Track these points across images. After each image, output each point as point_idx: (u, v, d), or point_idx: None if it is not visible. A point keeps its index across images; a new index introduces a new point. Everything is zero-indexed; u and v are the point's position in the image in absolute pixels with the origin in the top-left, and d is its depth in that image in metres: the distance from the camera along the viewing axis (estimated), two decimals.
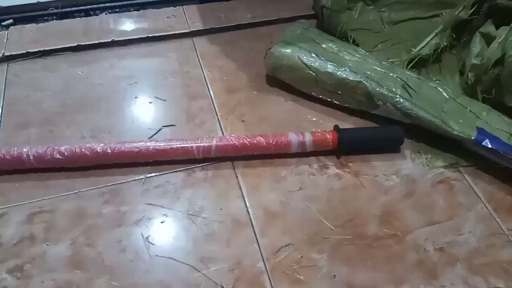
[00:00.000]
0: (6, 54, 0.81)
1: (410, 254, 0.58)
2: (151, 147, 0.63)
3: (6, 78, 0.78)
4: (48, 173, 0.64)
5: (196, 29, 0.90)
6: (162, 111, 0.75)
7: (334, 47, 0.75)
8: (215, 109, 0.75)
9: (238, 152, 0.65)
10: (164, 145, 0.64)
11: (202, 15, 0.93)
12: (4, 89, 0.76)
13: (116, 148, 0.63)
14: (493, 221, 0.62)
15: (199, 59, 0.84)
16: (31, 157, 0.61)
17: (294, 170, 0.66)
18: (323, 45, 0.76)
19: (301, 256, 0.57)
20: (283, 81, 0.78)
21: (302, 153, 0.67)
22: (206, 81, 0.80)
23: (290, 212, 0.61)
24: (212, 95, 0.78)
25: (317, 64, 0.72)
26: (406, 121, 0.69)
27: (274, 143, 0.65)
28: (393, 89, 0.68)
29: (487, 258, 0.58)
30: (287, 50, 0.74)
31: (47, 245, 0.56)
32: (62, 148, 0.62)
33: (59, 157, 0.61)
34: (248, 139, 0.65)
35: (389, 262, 0.57)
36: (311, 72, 0.72)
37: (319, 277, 0.55)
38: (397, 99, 0.68)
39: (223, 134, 0.71)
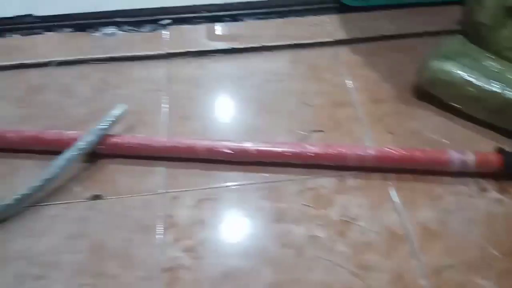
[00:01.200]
0: (168, 51, 0.90)
1: None
2: (309, 151, 0.66)
3: (168, 73, 0.87)
4: (212, 164, 0.70)
5: (339, 38, 0.92)
6: (309, 116, 0.78)
7: (496, 65, 0.72)
8: (361, 118, 0.77)
9: (394, 164, 0.66)
10: (322, 150, 0.66)
11: (345, 25, 0.95)
12: (168, 83, 0.85)
13: (276, 149, 0.67)
14: None
15: (342, 68, 0.86)
16: (203, 149, 0.67)
17: (450, 189, 0.65)
18: (484, 63, 0.73)
19: (466, 280, 0.55)
20: (433, 96, 0.76)
21: (458, 173, 0.66)
22: (350, 90, 0.82)
23: (450, 232, 0.60)
24: (357, 104, 0.79)
25: (479, 82, 0.70)
26: None
27: (433, 158, 0.64)
28: None
29: None
30: (446, 65, 0.72)
31: (214, 230, 0.62)
32: (231, 144, 0.67)
33: (228, 151, 0.67)
34: (407, 153, 0.65)
35: None
36: (472, 89, 0.70)
37: None
38: None
39: (371, 144, 0.72)
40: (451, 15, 0.93)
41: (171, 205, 0.65)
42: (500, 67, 0.72)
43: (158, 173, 0.69)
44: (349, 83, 0.83)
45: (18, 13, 0.98)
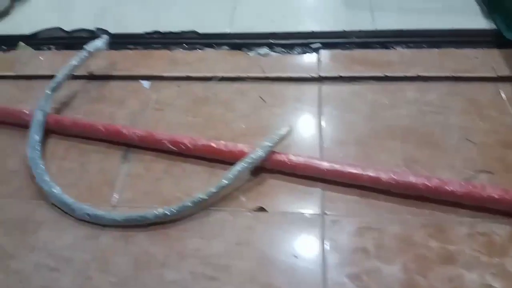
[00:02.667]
0: (321, 75, 0.93)
1: None
2: (486, 193, 0.63)
3: (319, 96, 0.90)
4: (370, 193, 0.70)
5: (503, 74, 0.87)
6: (473, 154, 0.74)
7: None
8: None
9: None
10: (500, 193, 0.63)
11: (508, 61, 0.90)
12: (320, 105, 0.87)
13: (447, 187, 0.65)
14: None
15: (508, 107, 0.82)
16: (366, 177, 0.68)
17: None
18: None
19: None
20: None
21: None
22: None
23: None
24: None
25: None
26: None
27: None
28: None
29: None
30: None
31: (380, 262, 0.62)
32: (395, 175, 0.67)
33: (391, 182, 0.66)
34: None
35: None
36: None
37: None
38: None
39: None
40: None
41: (331, 228, 0.66)
42: None
43: (315, 194, 0.71)
44: None
45: (183, 29, 1.10)
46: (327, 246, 0.64)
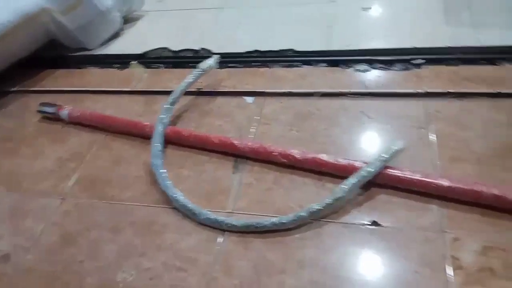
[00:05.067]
0: (427, 90, 0.92)
1: None
2: None
3: (427, 112, 0.89)
4: (495, 212, 0.68)
5: None
6: None
7: None
8: None
9: None
10: None
11: None
12: (428, 122, 0.86)
13: None
14: None
15: None
16: (489, 195, 0.66)
17: None
18: None
19: None
20: None
21: None
22: None
23: None
24: None
25: None
26: None
27: None
28: None
29: None
30: None
31: (508, 281, 0.60)
32: None
33: None
34: None
35: None
36: None
37: None
38: None
39: None
40: None
41: (453, 246, 0.65)
42: None
43: (432, 210, 0.70)
44: None
45: (280, 48, 1.15)
46: (449, 264, 0.63)
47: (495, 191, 0.66)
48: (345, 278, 0.65)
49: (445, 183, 0.69)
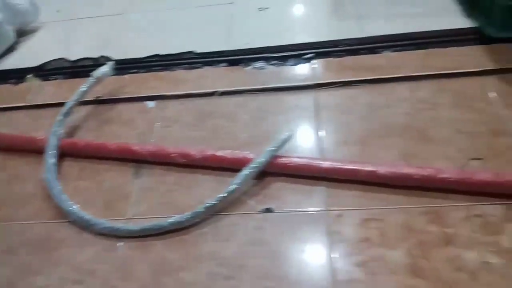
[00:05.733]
0: (316, 82, 0.98)
1: None
2: (477, 178, 0.68)
3: (317, 102, 0.94)
4: (370, 187, 0.74)
5: (486, 68, 0.92)
6: (466, 144, 0.78)
7: None
8: None
9: None
10: (492, 178, 0.67)
11: (490, 56, 0.95)
12: (318, 110, 0.92)
13: (441, 175, 0.69)
14: None
15: (493, 98, 0.86)
16: (362, 172, 0.73)
17: None
18: None
19: None
20: None
21: None
22: (506, 119, 0.81)
23: None
24: None
25: None
26: None
27: None
28: None
29: None
30: None
31: (384, 249, 0.66)
32: (390, 168, 0.71)
33: (389, 175, 0.71)
34: None
35: None
36: None
37: None
38: None
39: None
40: None
41: (336, 222, 0.70)
42: None
43: (319, 192, 0.75)
44: (506, 113, 0.83)
45: (180, 50, 1.16)
46: (333, 239, 0.68)
47: (369, 168, 0.72)
48: (241, 265, 0.67)
49: (326, 164, 0.75)
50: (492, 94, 0.87)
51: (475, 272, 0.61)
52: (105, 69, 1.00)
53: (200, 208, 0.73)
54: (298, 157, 0.78)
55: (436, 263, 0.62)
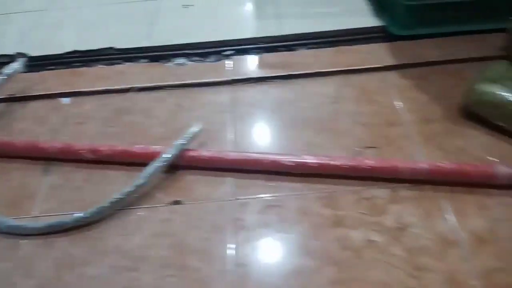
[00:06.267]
0: (232, 78, 1.01)
1: None
2: (364, 164, 0.74)
3: (232, 97, 0.98)
4: (274, 175, 0.78)
5: (388, 64, 1.00)
6: (363, 134, 0.85)
7: None
8: (412, 136, 0.83)
9: (445, 177, 0.71)
10: (375, 163, 0.74)
11: (393, 52, 1.03)
12: (232, 105, 0.95)
13: (334, 162, 0.75)
14: None
15: (391, 91, 0.94)
16: (268, 161, 0.77)
17: (499, 200, 0.70)
18: None
19: None
20: (481, 115, 0.82)
21: (506, 186, 0.71)
22: (399, 110, 0.89)
23: (500, 239, 0.65)
24: (407, 123, 0.86)
25: None
26: None
27: (482, 172, 0.69)
28: None
29: None
30: (491, 87, 0.78)
31: (281, 232, 0.70)
32: (292, 158, 0.76)
33: (290, 164, 0.75)
34: (457, 166, 0.71)
35: None
36: None
37: None
38: None
39: (422, 160, 0.78)
40: (494, 42, 0.98)
41: (240, 210, 0.74)
42: None
43: (228, 183, 0.79)
44: (399, 104, 0.90)
45: (101, 46, 1.15)
46: (236, 226, 0.71)
47: (271, 158, 0.76)
48: (144, 257, 0.68)
49: (231, 155, 0.78)
50: (391, 88, 0.95)
51: (360, 249, 0.66)
52: (16, 65, 0.97)
53: (105, 203, 0.73)
54: (207, 150, 0.80)
55: (326, 243, 0.67)
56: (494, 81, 0.79)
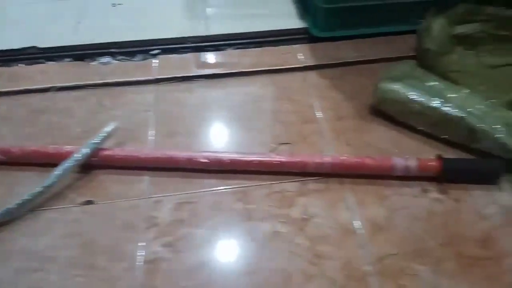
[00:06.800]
0: (157, 77, 1.01)
1: (507, 276, 0.63)
2: (275, 159, 0.77)
3: (156, 96, 0.98)
4: (191, 173, 0.80)
5: (308, 64, 1.04)
6: (280, 131, 0.88)
7: (438, 85, 0.84)
8: (324, 132, 0.87)
9: (347, 170, 0.76)
10: (286, 158, 0.77)
11: (313, 53, 1.07)
12: (155, 104, 0.95)
13: (248, 158, 0.77)
14: None
15: (310, 90, 0.98)
16: (183, 159, 0.77)
17: (397, 191, 0.75)
18: (428, 83, 0.85)
19: (405, 266, 0.65)
20: (387, 112, 0.88)
21: (405, 177, 0.76)
22: (316, 108, 0.93)
23: (394, 227, 0.70)
24: (321, 121, 0.90)
25: (422, 99, 0.81)
26: (505, 156, 0.75)
27: (381, 164, 0.74)
28: (495, 126, 0.75)
29: None
30: (394, 86, 0.84)
31: (192, 228, 0.71)
32: (207, 154, 0.77)
33: (205, 161, 0.77)
34: (357, 159, 0.75)
35: (487, 281, 0.63)
36: (416, 106, 0.81)
37: (422, 286, 0.62)
38: (499, 136, 0.74)
39: (332, 154, 0.82)
40: (408, 43, 1.05)
41: (154, 208, 0.74)
42: (441, 87, 0.84)
43: (143, 181, 0.79)
44: (316, 103, 0.95)
45: (23, 45, 1.11)
46: (148, 224, 0.72)
47: (186, 155, 0.78)
48: (51, 257, 0.67)
49: (144, 153, 0.78)
50: (310, 87, 0.99)
51: (266, 241, 0.69)
52: None
53: (12, 205, 0.71)
54: (122, 149, 0.80)
55: (234, 236, 0.70)
56: (397, 80, 0.85)
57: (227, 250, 0.68)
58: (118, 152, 0.79)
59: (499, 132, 0.74)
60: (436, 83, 0.85)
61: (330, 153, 0.82)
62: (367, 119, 0.90)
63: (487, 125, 0.75)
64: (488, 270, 0.64)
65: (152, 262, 0.67)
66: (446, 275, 0.63)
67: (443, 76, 0.92)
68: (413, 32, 1.04)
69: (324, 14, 1.09)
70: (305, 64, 1.04)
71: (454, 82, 0.90)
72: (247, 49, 1.12)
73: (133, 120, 0.91)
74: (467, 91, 0.84)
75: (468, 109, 0.78)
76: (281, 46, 1.11)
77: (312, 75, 1.02)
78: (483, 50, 0.99)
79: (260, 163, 0.76)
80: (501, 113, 0.78)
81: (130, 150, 0.80)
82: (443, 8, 0.97)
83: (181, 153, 0.78)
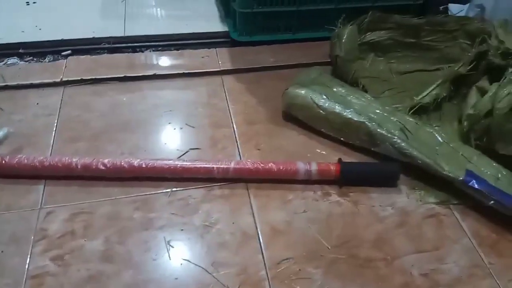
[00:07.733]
0: (63, 79, 0.96)
1: (397, 277, 0.65)
2: (178, 165, 0.74)
3: (62, 99, 0.92)
4: (91, 181, 0.76)
5: (226, 68, 1.03)
6: (191, 136, 0.86)
7: (343, 91, 0.86)
8: (235, 137, 0.86)
9: (251, 175, 0.75)
10: (189, 164, 0.75)
11: (232, 57, 1.06)
12: (60, 108, 0.90)
13: (149, 164, 0.74)
14: (476, 254, 0.68)
15: (226, 94, 0.97)
16: (79, 166, 0.73)
17: (300, 194, 0.76)
18: (334, 89, 0.87)
19: (299, 269, 0.65)
20: (296, 117, 0.88)
21: (308, 181, 0.77)
22: (230, 113, 0.92)
23: (293, 230, 0.70)
24: (234, 125, 0.89)
25: (326, 104, 0.83)
26: (402, 159, 0.78)
27: (283, 169, 0.74)
28: (392, 131, 0.78)
29: (468, 286, 0.64)
30: (301, 91, 0.85)
31: (85, 240, 0.67)
32: (106, 161, 0.74)
33: (102, 168, 0.73)
34: (261, 164, 0.75)
35: (377, 282, 0.64)
36: (321, 111, 0.82)
37: None
38: (395, 140, 0.77)
39: (240, 159, 0.81)
40: (325, 49, 1.07)
41: (45, 219, 0.70)
42: (346, 92, 0.86)
43: (37, 191, 0.74)
44: (231, 107, 0.94)
45: None
46: (37, 236, 0.67)
47: (83, 162, 0.74)
48: None
49: (42, 163, 0.73)
50: (227, 91, 0.98)
51: (162, 250, 0.66)
52: None
53: None
54: (12, 156, 0.74)
55: (131, 247, 0.66)
56: (304, 85, 0.86)
57: (119, 262, 0.65)
58: (9, 160, 0.73)
59: (396, 137, 0.77)
60: (341, 89, 0.87)
61: (240, 157, 0.82)
62: (279, 123, 0.90)
63: (385, 129, 0.78)
64: (380, 271, 0.65)
65: (37, 277, 0.62)
66: (337, 277, 0.64)
67: (354, 82, 0.95)
68: (329, 39, 1.06)
69: (242, 19, 1.09)
70: (223, 68, 1.03)
71: (364, 88, 0.93)
72: (165, 51, 1.09)
73: (34, 125, 0.86)
74: (370, 97, 0.86)
75: (369, 114, 0.81)
76: (202, 49, 1.09)
77: (229, 79, 1.01)
78: (393, 57, 1.04)
79: (163, 169, 0.74)
80: (399, 118, 0.82)
81: (21, 157, 0.74)
82: (355, 16, 1.01)
83: (77, 160, 0.74)
